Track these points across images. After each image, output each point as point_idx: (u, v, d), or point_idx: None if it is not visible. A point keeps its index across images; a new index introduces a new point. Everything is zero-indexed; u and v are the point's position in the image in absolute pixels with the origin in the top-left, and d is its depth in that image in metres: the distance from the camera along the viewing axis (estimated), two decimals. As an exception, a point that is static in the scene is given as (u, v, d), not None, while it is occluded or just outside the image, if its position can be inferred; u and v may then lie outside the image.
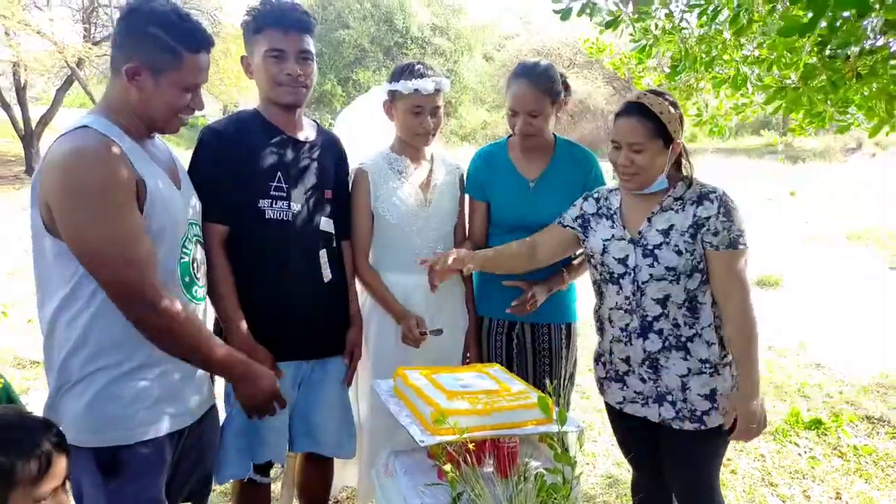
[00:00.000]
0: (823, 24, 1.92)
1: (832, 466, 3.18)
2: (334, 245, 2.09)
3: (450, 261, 1.99)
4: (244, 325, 1.88)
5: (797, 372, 4.38)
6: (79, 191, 1.39)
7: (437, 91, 2.13)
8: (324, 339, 2.06)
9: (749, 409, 1.80)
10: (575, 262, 2.26)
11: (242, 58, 2.00)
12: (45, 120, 14.44)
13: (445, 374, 1.75)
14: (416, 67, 2.13)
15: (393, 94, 2.16)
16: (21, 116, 14.27)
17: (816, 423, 3.58)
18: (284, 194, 1.94)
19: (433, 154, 2.31)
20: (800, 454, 3.30)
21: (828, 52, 1.96)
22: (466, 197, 2.34)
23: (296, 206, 1.96)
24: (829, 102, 2.22)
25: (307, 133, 2.06)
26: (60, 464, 1.28)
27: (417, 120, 2.13)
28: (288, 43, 1.90)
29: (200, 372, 1.68)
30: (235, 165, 1.88)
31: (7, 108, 14.36)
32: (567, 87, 2.23)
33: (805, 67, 2.10)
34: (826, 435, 3.50)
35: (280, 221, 1.93)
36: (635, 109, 1.80)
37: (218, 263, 1.85)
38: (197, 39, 1.54)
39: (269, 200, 1.92)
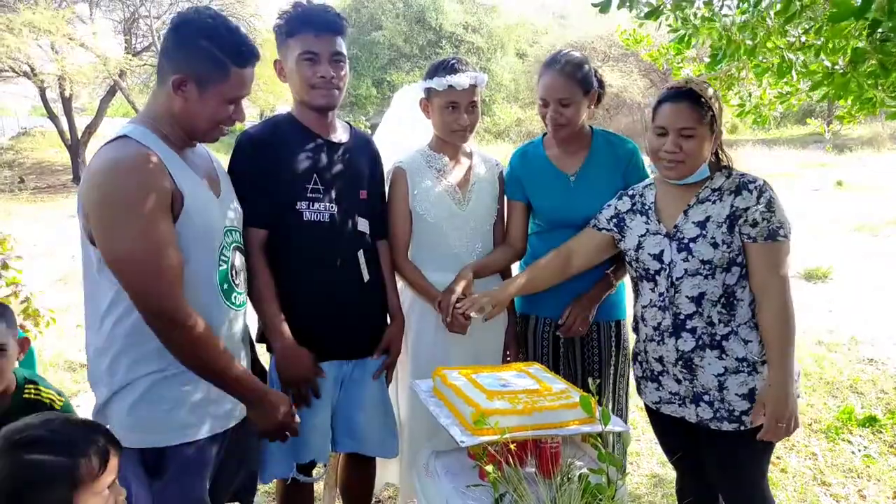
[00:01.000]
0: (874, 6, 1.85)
1: (888, 465, 3.05)
2: (370, 245, 2.09)
3: (473, 310, 1.96)
4: (286, 327, 1.89)
5: (849, 367, 4.23)
6: (111, 201, 1.42)
7: (473, 86, 2.10)
8: (364, 339, 2.07)
9: (778, 405, 1.73)
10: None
11: (276, 62, 2.01)
12: (90, 129, 14.91)
13: (485, 373, 1.73)
14: (451, 63, 2.11)
15: (429, 92, 2.14)
16: (67, 127, 14.75)
17: (871, 420, 3.44)
18: (321, 196, 1.95)
19: (472, 151, 2.28)
20: (853, 452, 3.18)
21: (879, 35, 1.88)
22: (505, 197, 2.32)
23: (333, 208, 1.96)
24: (879, 87, 2.13)
25: (340, 135, 2.07)
26: (115, 459, 1.32)
27: (453, 116, 2.11)
28: (321, 46, 1.90)
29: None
30: (272, 169, 1.89)
31: (54, 119, 14.87)
32: (602, 83, 2.18)
33: (854, 52, 2.02)
34: (881, 432, 3.36)
35: (318, 223, 1.94)
36: (684, 94, 1.77)
37: (258, 268, 1.86)
38: (244, 54, 1.56)
39: (307, 202, 1.93)
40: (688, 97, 1.76)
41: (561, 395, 1.57)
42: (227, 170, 1.87)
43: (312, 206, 1.94)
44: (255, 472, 1.90)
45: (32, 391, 1.91)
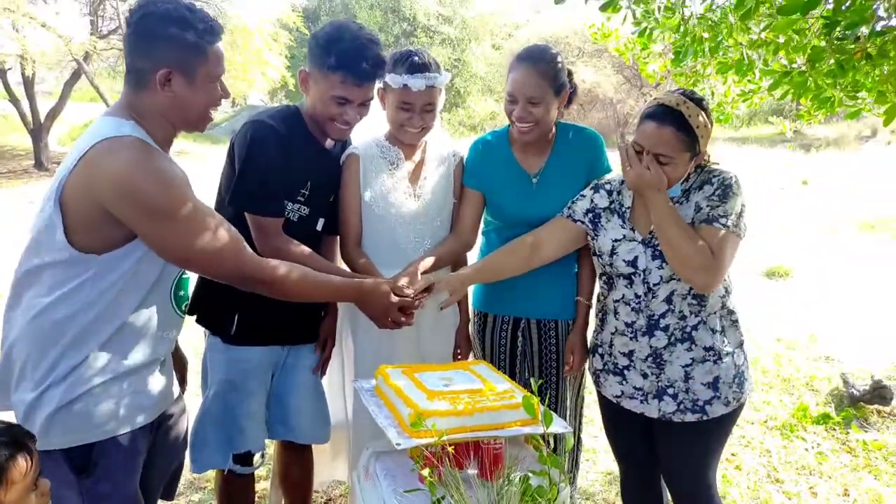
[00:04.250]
0: (830, 3, 1.83)
1: (840, 462, 3.09)
2: (321, 241, 2.11)
3: (433, 292, 1.92)
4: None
5: (806, 365, 4.28)
6: (158, 208, 1.42)
7: (431, 87, 2.00)
8: (298, 326, 2.05)
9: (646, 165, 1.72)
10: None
11: (301, 70, 1.98)
12: (53, 114, 14.46)
13: (429, 372, 1.68)
14: (411, 60, 1.98)
15: (385, 84, 2.05)
16: (30, 110, 14.30)
17: (825, 418, 3.49)
18: (304, 200, 1.98)
19: (427, 142, 2.21)
20: (807, 449, 3.22)
21: (836, 34, 1.87)
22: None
23: (305, 210, 1.99)
24: (837, 87, 2.12)
25: (331, 142, 2.07)
26: (34, 454, 1.25)
27: (406, 116, 2.03)
28: (356, 93, 1.89)
29: (167, 362, 1.68)
30: (283, 167, 1.89)
31: (16, 102, 14.41)
32: (572, 81, 2.11)
33: (812, 50, 2.01)
34: (835, 430, 3.41)
35: (288, 220, 1.95)
36: (671, 119, 1.69)
37: (290, 248, 1.88)
38: (213, 29, 1.53)
39: (294, 205, 1.97)
40: (674, 121, 1.69)
41: (504, 395, 1.53)
42: (243, 157, 1.85)
43: (294, 206, 1.96)
44: (181, 464, 1.85)
45: None
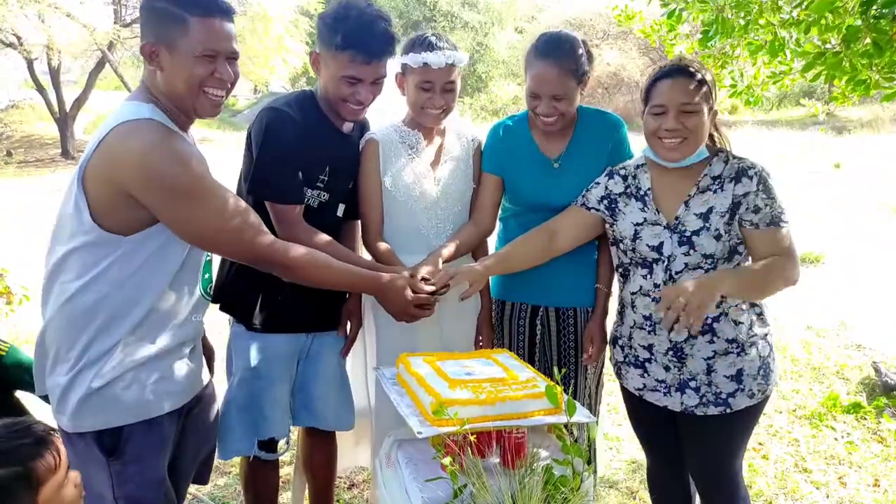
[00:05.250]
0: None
1: (871, 452, 3.03)
2: (341, 227, 2.11)
3: (454, 283, 1.88)
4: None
5: (836, 353, 4.19)
6: (174, 189, 1.43)
7: (451, 66, 1.99)
8: (321, 313, 2.06)
9: (694, 284, 1.56)
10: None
11: (312, 53, 1.97)
12: (78, 103, 14.67)
13: (451, 360, 1.67)
14: (428, 39, 1.99)
15: (404, 67, 2.04)
16: (56, 99, 14.52)
17: (855, 407, 3.41)
18: (323, 185, 1.97)
19: (447, 128, 2.19)
20: (836, 439, 3.16)
21: (873, 13, 1.80)
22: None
23: (325, 196, 1.98)
24: (873, 68, 2.05)
25: (349, 125, 2.06)
26: (62, 449, 1.28)
27: (427, 96, 2.01)
28: (367, 72, 1.86)
29: (196, 348, 1.70)
30: (300, 155, 1.89)
31: (42, 91, 14.63)
32: (590, 56, 2.05)
33: (847, 30, 1.94)
34: (865, 419, 3.33)
35: (309, 207, 1.95)
36: (681, 71, 1.72)
37: (316, 238, 1.87)
38: (203, 3, 1.49)
39: (314, 191, 1.96)
40: (683, 73, 1.72)
41: (527, 384, 1.51)
42: (259, 145, 1.85)
43: (314, 192, 1.95)
44: (214, 449, 1.89)
45: None
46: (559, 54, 1.95)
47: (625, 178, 1.89)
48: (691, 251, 1.74)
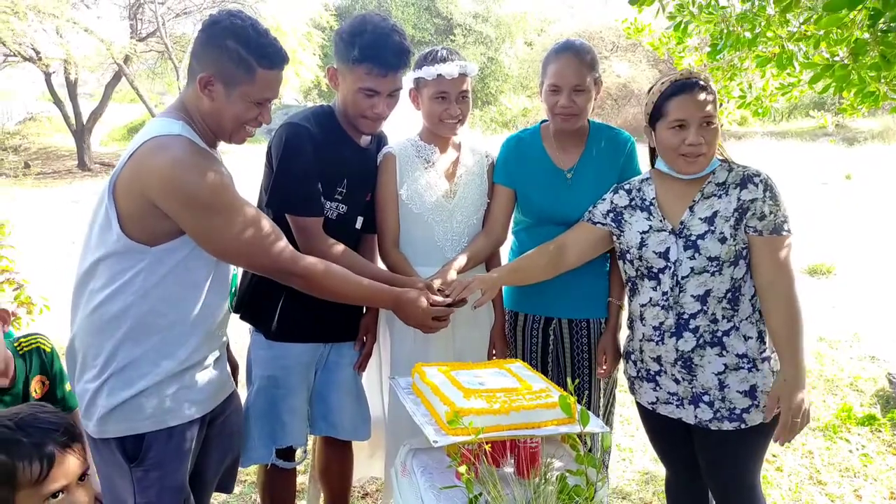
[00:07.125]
0: (876, -5, 1.78)
1: (886, 465, 3.01)
2: (360, 239, 2.15)
3: (466, 293, 1.91)
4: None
5: (850, 365, 4.17)
6: (199, 201, 1.49)
7: (463, 76, 2.05)
8: (340, 324, 2.09)
9: (793, 401, 1.69)
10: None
11: (329, 68, 2.03)
12: (95, 115, 14.88)
13: (464, 370, 1.69)
14: (440, 52, 2.06)
15: (417, 82, 2.10)
16: (73, 112, 14.74)
17: (870, 419, 3.40)
18: (342, 197, 2.01)
19: (461, 142, 2.23)
20: (851, 451, 3.14)
21: (881, 26, 1.82)
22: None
23: (343, 208, 2.02)
24: (881, 80, 2.07)
25: (366, 139, 2.11)
26: (67, 463, 1.29)
27: (443, 106, 2.06)
28: (383, 84, 1.91)
29: (221, 358, 1.73)
30: (319, 167, 1.93)
31: (60, 104, 14.85)
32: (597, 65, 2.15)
33: (855, 43, 1.96)
34: (880, 431, 3.32)
35: (328, 219, 1.99)
36: (697, 85, 1.75)
37: (335, 249, 1.91)
38: (271, 56, 1.59)
39: (333, 204, 2.00)
40: (698, 87, 1.75)
41: (540, 394, 1.53)
42: (279, 159, 1.91)
43: (332, 204, 1.99)
44: (238, 458, 1.92)
45: (24, 343, 1.96)
46: (577, 49, 2.05)
47: (629, 191, 1.92)
48: (696, 255, 1.75)
